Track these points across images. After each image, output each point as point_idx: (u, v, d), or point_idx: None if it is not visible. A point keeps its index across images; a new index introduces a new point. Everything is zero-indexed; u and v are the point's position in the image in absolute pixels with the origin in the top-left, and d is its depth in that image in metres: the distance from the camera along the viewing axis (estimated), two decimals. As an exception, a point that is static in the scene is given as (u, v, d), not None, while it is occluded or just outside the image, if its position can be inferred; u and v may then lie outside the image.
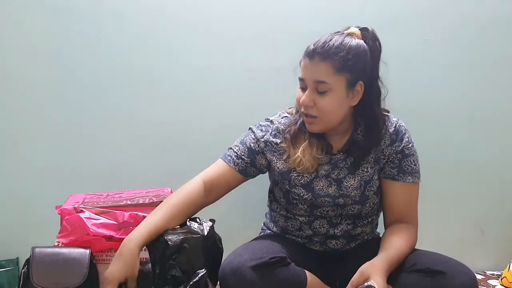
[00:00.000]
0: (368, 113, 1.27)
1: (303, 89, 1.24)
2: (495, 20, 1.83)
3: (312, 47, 1.20)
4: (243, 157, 1.33)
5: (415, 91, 1.83)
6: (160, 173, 1.75)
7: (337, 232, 1.32)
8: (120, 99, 1.74)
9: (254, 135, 1.35)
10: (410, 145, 1.32)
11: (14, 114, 1.71)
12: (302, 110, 1.25)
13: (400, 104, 1.80)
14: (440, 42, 1.83)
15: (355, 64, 1.19)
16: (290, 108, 1.39)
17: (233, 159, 1.33)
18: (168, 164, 1.77)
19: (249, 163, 1.33)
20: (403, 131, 1.32)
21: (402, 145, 1.30)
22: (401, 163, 1.30)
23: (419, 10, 1.80)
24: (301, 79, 1.24)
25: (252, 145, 1.33)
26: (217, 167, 1.33)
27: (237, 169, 1.32)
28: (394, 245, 1.21)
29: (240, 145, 1.35)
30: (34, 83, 1.71)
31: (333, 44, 1.18)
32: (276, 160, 1.32)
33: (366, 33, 1.24)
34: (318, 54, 1.18)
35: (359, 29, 1.24)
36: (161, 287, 1.21)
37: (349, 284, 1.13)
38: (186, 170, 1.76)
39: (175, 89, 1.76)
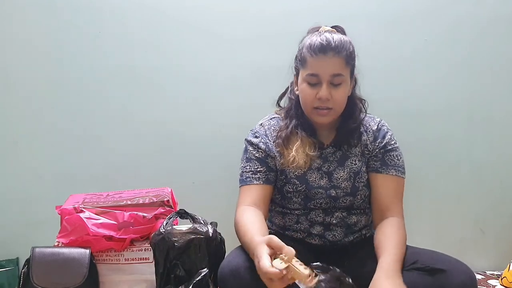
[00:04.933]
0: (351, 101, 1.36)
1: (313, 85, 1.28)
2: (495, 20, 1.83)
3: (324, 43, 1.25)
4: (258, 169, 1.34)
5: (415, 91, 1.83)
6: (160, 173, 1.75)
7: (333, 220, 1.34)
8: (120, 99, 1.74)
9: (252, 144, 1.38)
10: (393, 142, 1.38)
11: (14, 114, 1.71)
12: (317, 104, 1.28)
13: (400, 104, 1.82)
14: (440, 42, 1.83)
15: (353, 58, 1.31)
16: (279, 110, 1.44)
17: (252, 177, 1.34)
18: (168, 164, 1.77)
19: (266, 170, 1.35)
20: (386, 129, 1.39)
21: (385, 141, 1.37)
22: (384, 157, 1.36)
23: (419, 10, 1.80)
24: (313, 75, 1.27)
25: (257, 155, 1.36)
26: (246, 194, 1.33)
27: (261, 182, 1.34)
28: (396, 245, 1.21)
29: (248, 163, 1.36)
30: (34, 83, 1.71)
31: (340, 40, 1.27)
32: (278, 156, 1.36)
33: (342, 30, 1.35)
34: (332, 49, 1.25)
35: (331, 27, 1.34)
36: (163, 287, 1.21)
37: None
38: (186, 170, 1.78)
39: (175, 89, 1.76)
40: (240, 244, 1.24)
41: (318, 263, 1.07)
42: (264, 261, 1.01)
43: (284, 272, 1.00)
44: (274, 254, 1.04)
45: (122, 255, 1.33)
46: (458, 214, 1.91)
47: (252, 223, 1.22)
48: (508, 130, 1.90)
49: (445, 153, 1.88)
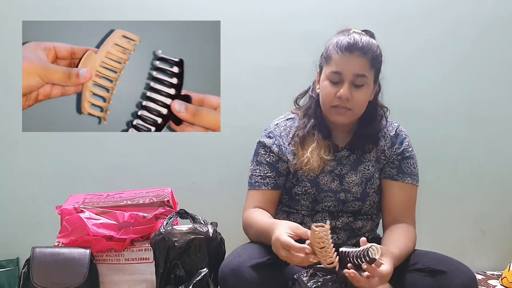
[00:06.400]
0: (372, 107, 1.34)
1: (335, 83, 1.26)
2: (495, 20, 1.83)
3: (351, 42, 1.25)
4: (268, 174, 1.34)
5: (415, 91, 1.83)
6: (160, 173, 1.75)
7: (338, 224, 1.34)
8: (120, 99, 1.74)
9: (265, 147, 1.36)
10: (410, 149, 1.37)
11: (14, 113, 1.71)
12: (337, 103, 1.26)
13: (401, 104, 1.81)
14: (440, 42, 1.83)
15: (379, 62, 1.30)
16: (297, 109, 1.41)
17: (261, 182, 1.34)
18: (168, 164, 1.77)
19: (276, 176, 1.34)
20: (404, 135, 1.38)
21: (402, 148, 1.35)
22: (401, 164, 1.34)
23: (419, 10, 1.80)
24: (336, 73, 1.26)
25: (268, 159, 1.35)
26: (254, 198, 1.34)
27: (270, 188, 1.34)
28: (401, 243, 1.21)
29: (258, 166, 1.35)
30: (34, 83, 1.71)
31: (368, 41, 1.26)
32: (291, 158, 1.34)
33: (371, 34, 1.32)
34: (359, 49, 1.24)
35: (361, 31, 1.31)
36: (164, 287, 1.21)
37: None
38: (186, 170, 1.78)
39: (175, 89, 1.76)
40: (240, 244, 1.24)
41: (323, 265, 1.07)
42: (281, 232, 1.05)
43: (307, 249, 1.02)
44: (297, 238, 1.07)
45: (122, 255, 1.33)
46: (458, 214, 1.91)
47: (263, 214, 1.27)
48: (508, 130, 1.90)
49: (445, 153, 1.88)
